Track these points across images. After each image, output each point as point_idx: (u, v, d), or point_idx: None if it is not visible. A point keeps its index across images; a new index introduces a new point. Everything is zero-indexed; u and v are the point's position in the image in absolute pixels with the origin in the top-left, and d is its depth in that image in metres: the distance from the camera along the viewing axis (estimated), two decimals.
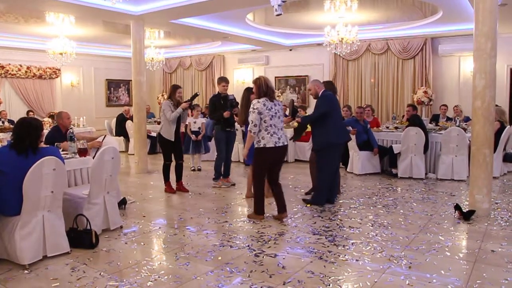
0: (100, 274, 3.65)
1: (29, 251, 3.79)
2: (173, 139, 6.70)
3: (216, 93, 7.40)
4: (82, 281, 3.51)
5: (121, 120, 12.00)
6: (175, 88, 6.83)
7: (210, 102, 7.33)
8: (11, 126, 9.10)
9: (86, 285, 3.43)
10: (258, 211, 5.29)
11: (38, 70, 13.18)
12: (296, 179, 7.85)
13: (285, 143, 5.16)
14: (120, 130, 11.98)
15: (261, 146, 5.03)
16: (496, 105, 6.78)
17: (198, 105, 10.12)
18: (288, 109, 6.55)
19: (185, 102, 6.70)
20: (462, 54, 11.12)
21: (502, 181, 7.49)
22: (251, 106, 5.04)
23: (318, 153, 5.95)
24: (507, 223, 5.01)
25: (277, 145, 5.04)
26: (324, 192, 5.91)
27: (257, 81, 5.15)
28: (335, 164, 6.03)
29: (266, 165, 5.16)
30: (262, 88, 5.06)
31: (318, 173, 5.93)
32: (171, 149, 6.84)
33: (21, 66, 12.79)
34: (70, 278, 3.57)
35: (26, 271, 3.71)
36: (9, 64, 12.54)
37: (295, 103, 6.49)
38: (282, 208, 5.33)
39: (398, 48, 11.77)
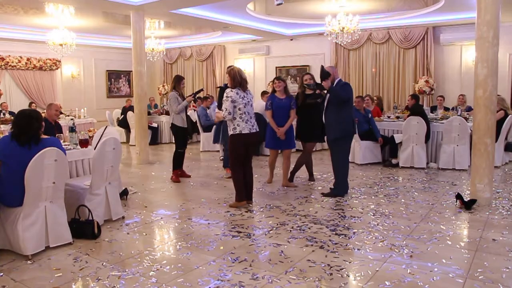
0: (102, 264, 3.67)
1: (31, 241, 3.81)
2: (186, 126, 6.97)
3: (225, 83, 7.37)
4: (85, 271, 3.53)
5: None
6: (179, 79, 7.05)
7: (221, 93, 7.32)
8: (12, 117, 9.09)
9: (89, 275, 3.45)
10: (238, 198, 5.38)
11: (39, 61, 13.14)
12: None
13: (257, 130, 5.41)
14: (124, 121, 11.90)
15: (237, 132, 5.22)
16: (498, 95, 6.75)
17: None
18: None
19: (190, 96, 6.97)
20: (464, 43, 11.03)
21: (503, 170, 7.48)
22: (225, 94, 5.23)
23: (333, 144, 5.89)
24: (508, 212, 5.02)
25: (251, 131, 5.26)
26: (345, 183, 5.90)
27: (231, 71, 5.32)
28: (348, 153, 6.05)
29: (242, 151, 5.30)
30: (237, 78, 5.24)
31: (336, 164, 5.89)
32: (184, 136, 7.08)
33: (21, 57, 12.74)
34: (72, 268, 3.59)
35: (29, 262, 3.73)
36: (9, 55, 12.48)
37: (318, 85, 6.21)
38: (248, 194, 5.51)
39: (399, 37, 11.69)
